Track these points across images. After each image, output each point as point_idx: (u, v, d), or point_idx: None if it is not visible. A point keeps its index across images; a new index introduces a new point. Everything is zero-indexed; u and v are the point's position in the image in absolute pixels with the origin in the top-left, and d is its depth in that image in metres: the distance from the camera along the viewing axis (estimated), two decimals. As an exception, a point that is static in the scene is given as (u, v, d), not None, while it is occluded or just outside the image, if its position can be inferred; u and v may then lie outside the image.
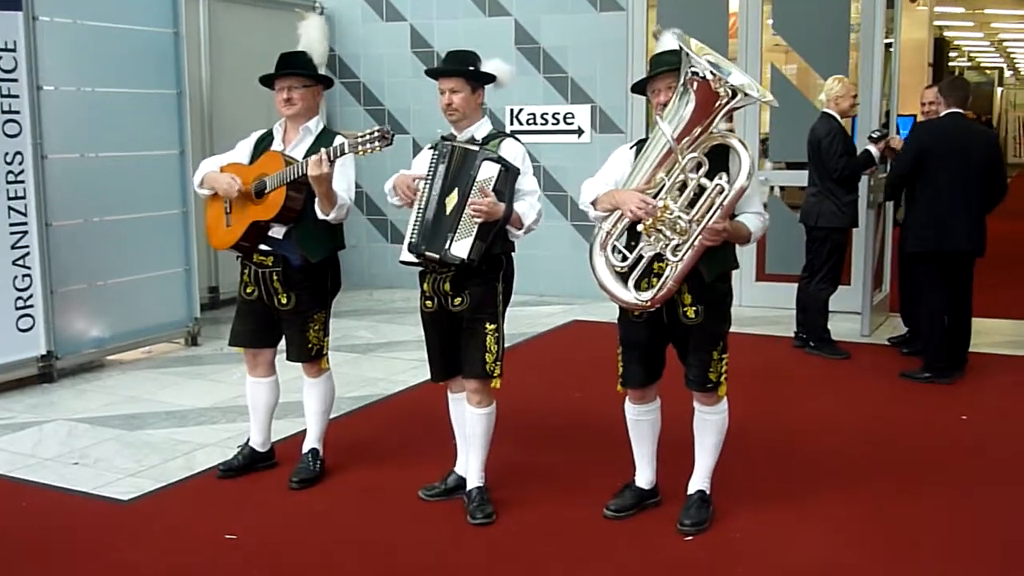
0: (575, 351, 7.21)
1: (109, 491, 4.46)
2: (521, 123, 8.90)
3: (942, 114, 6.25)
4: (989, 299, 7.72)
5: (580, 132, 8.88)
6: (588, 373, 6.51)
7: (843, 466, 4.77)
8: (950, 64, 21.68)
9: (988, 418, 5.53)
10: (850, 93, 6.82)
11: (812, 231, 6.87)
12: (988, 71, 30.50)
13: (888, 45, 7.77)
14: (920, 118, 7.32)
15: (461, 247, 3.92)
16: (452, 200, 3.97)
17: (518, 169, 4.02)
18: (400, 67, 9.47)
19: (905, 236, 6.37)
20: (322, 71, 4.58)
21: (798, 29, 8.40)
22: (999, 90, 30.84)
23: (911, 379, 6.21)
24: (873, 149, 6.82)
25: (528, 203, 4.03)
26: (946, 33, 20.47)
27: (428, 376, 6.28)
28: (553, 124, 8.91)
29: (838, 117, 6.78)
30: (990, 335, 7.37)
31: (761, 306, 8.33)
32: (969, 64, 28.85)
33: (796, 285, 7.15)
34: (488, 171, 3.94)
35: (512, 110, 8.93)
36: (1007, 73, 31.99)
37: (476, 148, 4.01)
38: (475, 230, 3.91)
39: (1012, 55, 30.77)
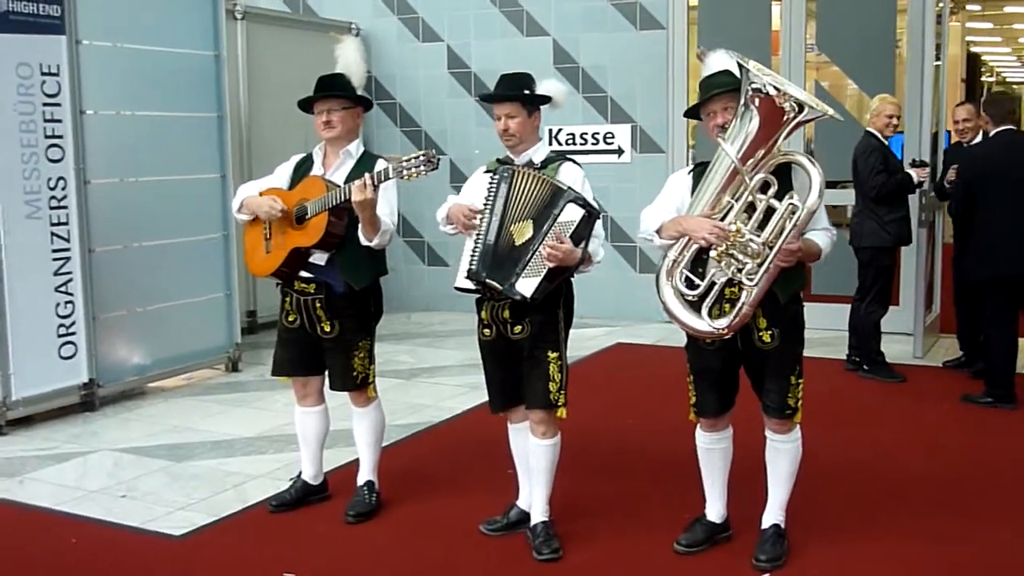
0: (622, 375, 7.06)
1: (160, 526, 4.35)
2: (560, 143, 8.79)
3: (992, 133, 6.10)
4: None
5: (620, 152, 8.77)
6: (638, 398, 6.38)
7: (914, 496, 4.60)
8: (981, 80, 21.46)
9: (1058, 445, 5.36)
10: (884, 112, 6.65)
11: (858, 252, 6.72)
12: (1015, 86, 30.24)
13: (937, 63, 7.61)
14: (954, 136, 7.15)
15: (527, 285, 3.79)
16: (522, 231, 3.82)
17: (599, 213, 3.88)
18: (437, 88, 9.39)
19: (964, 264, 6.18)
20: (360, 93, 4.46)
21: (841, 46, 8.26)
22: (1026, 105, 30.58)
23: (973, 403, 6.03)
24: (913, 174, 6.66)
25: (598, 242, 3.90)
26: (973, 49, 20.29)
27: (476, 402, 6.31)
28: (593, 144, 8.80)
29: (878, 135, 6.62)
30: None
31: (808, 327, 8.13)
32: (994, 79, 28.65)
33: (841, 305, 6.99)
34: (571, 214, 3.79)
35: (551, 130, 8.82)
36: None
37: (564, 187, 3.84)
38: (545, 271, 3.78)
39: (1040, 70, 30.58)
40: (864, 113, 7.57)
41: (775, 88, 3.47)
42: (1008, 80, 29.88)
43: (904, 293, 7.82)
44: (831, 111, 3.58)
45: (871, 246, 6.62)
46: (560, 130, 8.81)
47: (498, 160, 4.12)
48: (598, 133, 8.83)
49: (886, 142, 6.65)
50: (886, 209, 6.58)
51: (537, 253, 3.78)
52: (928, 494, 4.62)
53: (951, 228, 7.24)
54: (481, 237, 3.89)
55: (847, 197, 7.41)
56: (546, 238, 3.77)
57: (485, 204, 3.92)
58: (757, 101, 3.51)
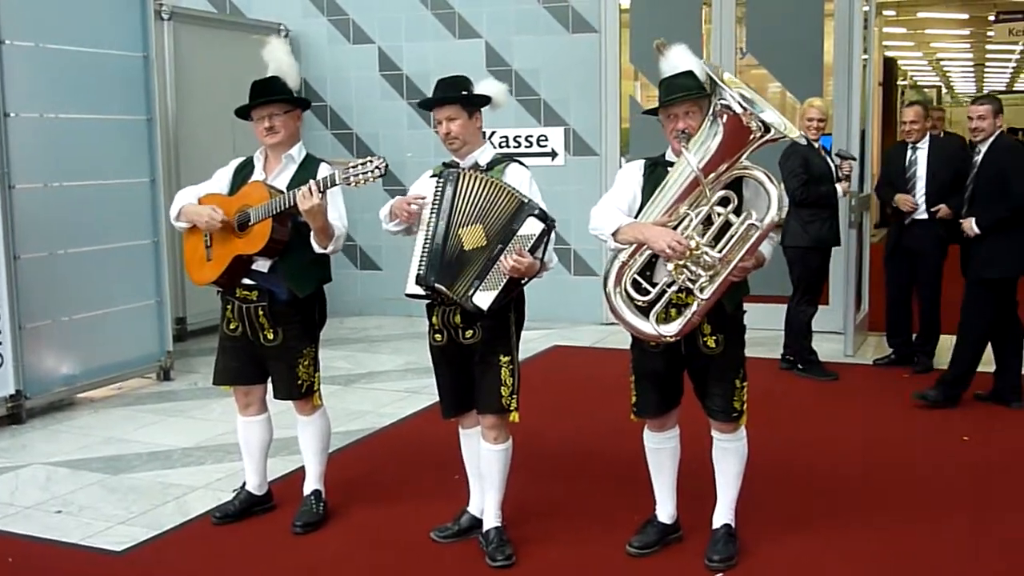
0: (561, 377, 7.07)
1: (100, 541, 4.22)
2: (494, 145, 8.66)
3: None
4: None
5: (554, 154, 8.79)
6: (580, 400, 6.40)
7: (851, 489, 4.70)
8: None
9: (988, 438, 5.50)
10: (805, 115, 6.76)
11: (784, 251, 6.79)
12: (927, 90, 31.11)
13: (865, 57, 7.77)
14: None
15: (484, 298, 3.76)
16: (472, 235, 3.79)
17: (555, 223, 3.85)
18: (368, 90, 9.30)
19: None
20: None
21: (770, 50, 8.40)
22: (937, 109, 31.45)
23: (923, 400, 6.03)
24: (839, 187, 6.77)
25: (551, 248, 3.88)
26: (887, 53, 20.84)
27: (416, 407, 6.27)
28: (527, 147, 8.81)
29: (804, 137, 6.57)
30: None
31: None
32: (908, 83, 29.44)
33: (776, 305, 7.09)
34: (532, 228, 3.77)
35: (485, 132, 8.76)
36: (944, 92, 32.71)
37: (524, 199, 3.80)
38: (503, 283, 3.76)
39: (948, 74, 31.52)
40: (789, 115, 7.69)
41: (742, 107, 3.47)
42: (919, 84, 30.76)
43: (833, 293, 7.98)
44: (796, 132, 3.61)
45: (793, 245, 6.71)
46: (494, 132, 8.79)
47: (444, 164, 4.08)
48: (531, 136, 8.84)
49: (816, 145, 6.74)
50: (808, 211, 6.66)
51: (495, 266, 3.75)
52: (870, 489, 4.71)
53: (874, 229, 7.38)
54: (428, 241, 3.85)
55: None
56: (506, 251, 3.74)
57: (432, 208, 3.88)
58: (725, 117, 3.51)
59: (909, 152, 6.88)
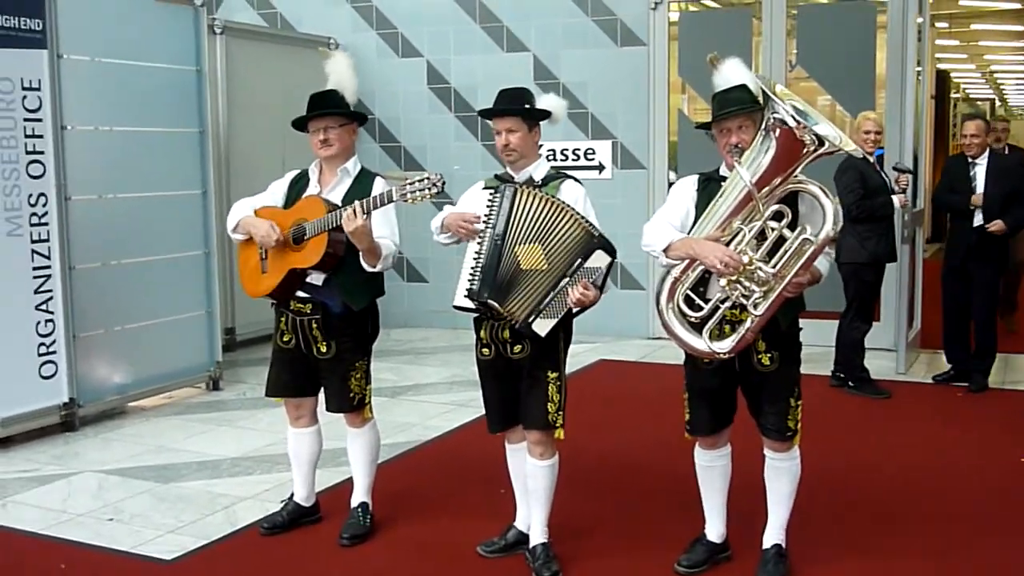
0: (607, 392, 7.02)
1: (150, 550, 4.26)
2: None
3: None
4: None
5: (601, 168, 8.77)
6: (626, 415, 6.36)
7: (906, 512, 4.61)
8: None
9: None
10: (862, 128, 6.65)
11: (839, 268, 6.71)
12: (979, 103, 30.67)
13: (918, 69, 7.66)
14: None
15: (544, 325, 3.75)
16: (529, 254, 3.75)
17: (615, 252, 3.82)
18: (416, 103, 9.35)
19: None
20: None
21: (821, 63, 8.33)
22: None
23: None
24: (894, 183, 6.68)
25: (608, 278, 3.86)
26: (940, 66, 20.59)
27: (463, 420, 6.27)
28: (574, 160, 8.80)
29: (860, 152, 6.55)
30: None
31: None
32: (960, 96, 29.05)
33: (827, 321, 6.99)
34: (599, 261, 3.74)
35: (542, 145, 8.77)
36: (997, 105, 32.21)
37: (593, 231, 3.75)
38: (563, 313, 3.76)
39: (1002, 87, 31.04)
40: (839, 129, 7.59)
41: (796, 120, 3.43)
42: (972, 97, 30.33)
43: (886, 309, 7.86)
44: (852, 145, 3.56)
45: (850, 262, 6.62)
46: (541, 146, 8.75)
47: (496, 176, 4.07)
48: (579, 149, 8.83)
49: (871, 159, 6.65)
50: (864, 227, 6.57)
51: (560, 294, 3.73)
52: (924, 512, 4.62)
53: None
54: (482, 257, 3.82)
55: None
56: (572, 283, 3.72)
57: (485, 222, 3.85)
58: (777, 131, 3.48)
59: (969, 167, 6.78)
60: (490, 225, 3.83)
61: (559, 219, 3.76)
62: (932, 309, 7.77)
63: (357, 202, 3.98)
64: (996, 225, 6.53)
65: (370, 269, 4.11)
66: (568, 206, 3.79)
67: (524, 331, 3.78)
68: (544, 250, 3.75)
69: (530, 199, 3.79)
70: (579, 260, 3.73)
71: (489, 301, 3.79)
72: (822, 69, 8.38)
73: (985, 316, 6.80)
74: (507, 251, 3.78)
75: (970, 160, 6.78)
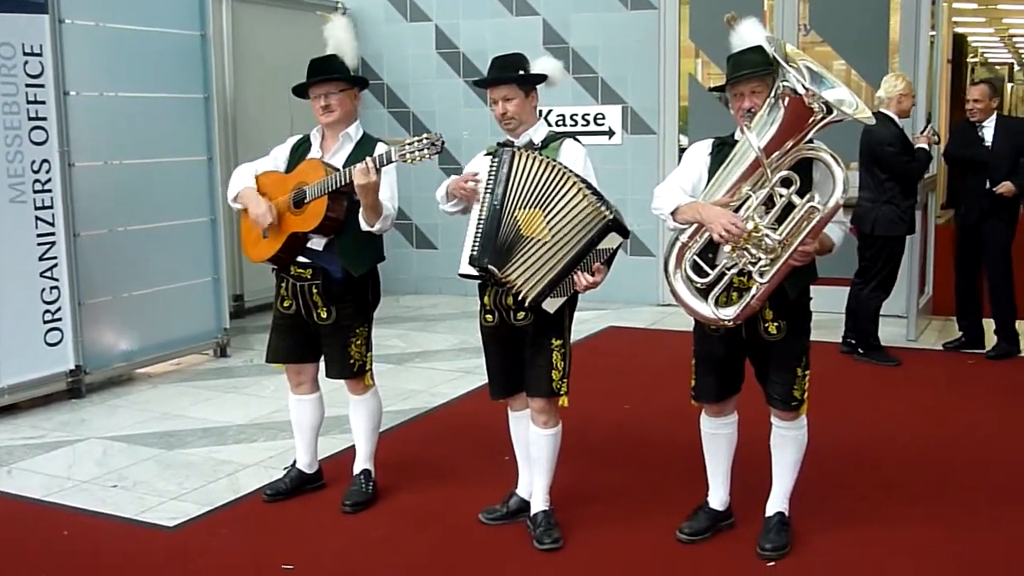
0: (615, 359, 7.00)
1: (153, 516, 4.26)
2: (550, 124, 8.59)
3: None
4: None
5: (611, 133, 8.68)
6: (634, 383, 6.32)
7: (914, 481, 4.57)
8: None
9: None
10: (912, 92, 6.55)
11: (867, 238, 6.63)
12: (998, 67, 30.29)
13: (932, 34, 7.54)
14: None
15: (553, 304, 3.73)
16: (531, 223, 3.69)
17: (628, 231, 3.76)
18: (425, 68, 9.27)
19: None
20: (353, 73, 4.36)
21: (834, 26, 8.19)
22: (1009, 86, 30.62)
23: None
24: (923, 143, 6.61)
25: None
26: (957, 30, 20.29)
27: (469, 387, 6.24)
28: (583, 125, 8.71)
29: (896, 119, 6.47)
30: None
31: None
32: (978, 60, 28.67)
33: (835, 288, 6.92)
34: (611, 242, 3.69)
35: (541, 111, 8.68)
36: (1016, 69, 31.79)
37: (608, 216, 3.63)
38: (572, 291, 3.74)
39: (1021, 51, 30.62)
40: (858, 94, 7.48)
41: (805, 88, 3.35)
42: (991, 61, 29.95)
43: (899, 276, 7.77)
44: (865, 113, 3.48)
45: (886, 235, 6.52)
46: (551, 111, 8.71)
47: (498, 143, 4.02)
48: (588, 114, 8.74)
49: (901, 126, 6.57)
50: (904, 197, 6.50)
51: (572, 276, 3.69)
52: (931, 480, 4.58)
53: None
54: (483, 223, 3.78)
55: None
56: (583, 266, 3.68)
57: (486, 188, 3.81)
58: (787, 99, 3.40)
59: (976, 129, 6.71)
60: (489, 190, 3.79)
61: (559, 185, 3.69)
62: (944, 276, 7.69)
63: (368, 158, 3.94)
64: (1005, 187, 6.49)
65: (368, 228, 4.07)
66: (570, 172, 3.72)
67: (530, 306, 3.75)
68: (545, 217, 3.69)
69: (528, 162, 3.74)
70: (592, 243, 3.67)
71: (489, 267, 3.75)
72: (835, 33, 8.24)
73: (998, 278, 6.72)
74: (506, 215, 3.74)
75: (977, 124, 6.71)
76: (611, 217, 3.66)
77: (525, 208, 3.72)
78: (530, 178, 3.73)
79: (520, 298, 3.75)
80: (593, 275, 3.69)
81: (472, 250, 3.80)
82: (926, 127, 6.79)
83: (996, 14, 21.45)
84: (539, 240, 3.69)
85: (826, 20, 8.24)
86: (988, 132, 6.67)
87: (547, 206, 3.70)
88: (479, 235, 3.78)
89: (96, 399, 6.05)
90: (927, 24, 7.28)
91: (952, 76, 15.42)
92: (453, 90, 9.18)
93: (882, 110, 6.48)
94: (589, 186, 3.72)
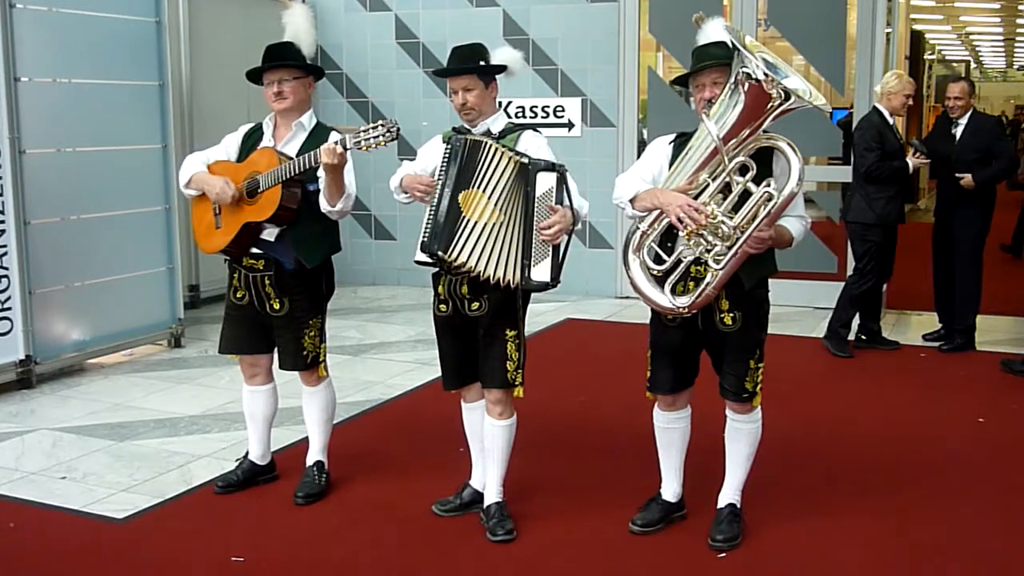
0: (573, 351, 7.01)
1: (102, 508, 4.21)
2: (510, 116, 8.64)
3: None
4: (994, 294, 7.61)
5: (571, 125, 8.69)
6: (590, 375, 6.34)
7: (864, 473, 4.62)
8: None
9: (1004, 420, 5.41)
10: (903, 91, 6.65)
11: (846, 226, 6.84)
12: (955, 65, 30.67)
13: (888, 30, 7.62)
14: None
15: (541, 271, 3.71)
16: (474, 202, 3.70)
17: (564, 167, 3.79)
18: (384, 58, 9.22)
19: None
20: (309, 62, 4.32)
21: (792, 21, 8.24)
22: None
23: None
24: (911, 163, 6.73)
25: (576, 196, 3.79)
26: (915, 27, 20.51)
27: (425, 379, 6.23)
28: (543, 117, 8.71)
29: (886, 113, 6.63)
30: (993, 332, 7.25)
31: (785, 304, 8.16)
32: (935, 58, 29.00)
33: (812, 283, 7.00)
34: (546, 182, 3.70)
35: (500, 103, 8.67)
36: (972, 66, 32.22)
37: (525, 159, 3.72)
38: (551, 250, 3.71)
39: (978, 49, 31.03)
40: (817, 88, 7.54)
41: (765, 74, 3.38)
42: (948, 59, 30.30)
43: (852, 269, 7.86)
44: (821, 100, 3.51)
45: (855, 221, 6.70)
46: (510, 102, 8.69)
47: (454, 129, 4.01)
48: (548, 106, 8.74)
49: (890, 121, 6.65)
50: (874, 187, 6.60)
51: (535, 236, 3.68)
52: (880, 472, 4.63)
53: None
54: (434, 209, 3.78)
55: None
56: (536, 217, 3.67)
57: (438, 175, 3.81)
58: (746, 85, 3.42)
59: (952, 125, 6.86)
60: (440, 178, 3.79)
61: (492, 158, 3.73)
62: (909, 269, 7.80)
63: (338, 138, 3.92)
64: (965, 180, 6.63)
65: (328, 209, 4.04)
66: (499, 143, 3.76)
67: (529, 288, 3.76)
68: (490, 198, 3.71)
69: (470, 146, 3.76)
70: (528, 195, 3.68)
71: (438, 252, 3.74)
72: (793, 28, 8.28)
73: (963, 271, 6.82)
74: (451, 200, 3.74)
75: (954, 121, 6.81)
76: (526, 160, 3.70)
77: (470, 191, 3.73)
78: (471, 160, 3.75)
79: (504, 284, 3.72)
80: (552, 221, 3.66)
81: (423, 237, 3.79)
82: (916, 149, 6.90)
83: (954, 11, 21.71)
84: (488, 221, 3.70)
85: (784, 15, 8.28)
86: (961, 129, 6.80)
87: (485, 184, 3.72)
88: (429, 221, 3.78)
89: (47, 389, 5.96)
90: (883, 20, 7.35)
91: (909, 72, 15.53)
92: (412, 80, 9.14)
93: (875, 103, 6.76)
94: (512, 150, 3.75)
